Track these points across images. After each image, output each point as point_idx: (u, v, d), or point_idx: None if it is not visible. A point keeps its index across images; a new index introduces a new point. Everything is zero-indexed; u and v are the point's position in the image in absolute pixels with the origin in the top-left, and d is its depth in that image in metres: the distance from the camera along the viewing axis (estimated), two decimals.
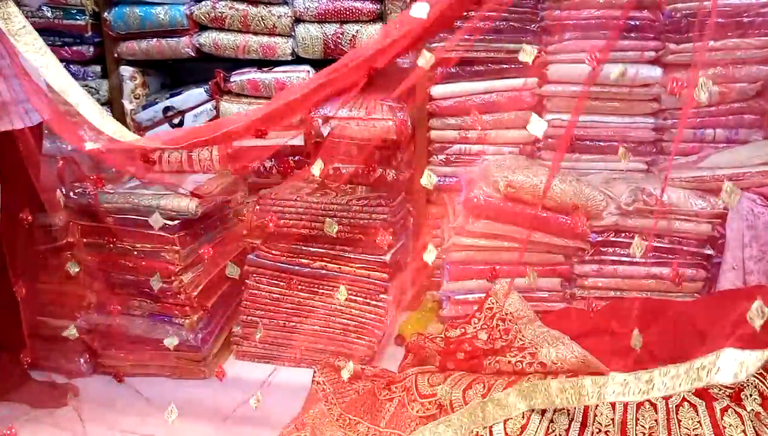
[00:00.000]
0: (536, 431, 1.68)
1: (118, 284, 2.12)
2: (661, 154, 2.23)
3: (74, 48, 2.51)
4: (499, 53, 2.21)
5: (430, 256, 1.60)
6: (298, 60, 2.37)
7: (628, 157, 1.86)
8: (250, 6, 2.30)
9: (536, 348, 1.87)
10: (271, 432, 1.81)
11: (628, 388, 1.32)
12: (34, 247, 1.95)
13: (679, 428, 1.61)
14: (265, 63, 2.40)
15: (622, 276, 2.11)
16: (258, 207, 2.30)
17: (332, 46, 2.29)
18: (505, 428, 1.68)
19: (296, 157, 2.42)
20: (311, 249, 2.24)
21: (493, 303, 2.08)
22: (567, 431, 1.67)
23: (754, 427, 1.58)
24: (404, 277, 2.37)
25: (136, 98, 2.58)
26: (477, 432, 1.69)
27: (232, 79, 2.39)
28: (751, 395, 1.67)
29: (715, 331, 1.77)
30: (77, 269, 1.94)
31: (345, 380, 1.89)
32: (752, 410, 1.63)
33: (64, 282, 2.08)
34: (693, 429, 1.61)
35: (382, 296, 2.22)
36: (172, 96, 2.49)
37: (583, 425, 1.68)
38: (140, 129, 2.49)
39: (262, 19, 2.29)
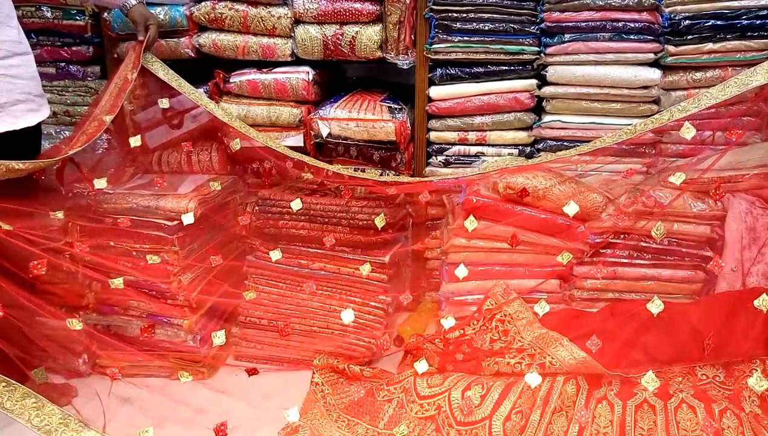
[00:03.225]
0: (535, 432, 1.69)
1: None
2: (660, 155, 2.24)
3: (74, 48, 2.51)
4: (499, 55, 2.21)
5: None
6: (297, 61, 2.37)
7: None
8: (250, 7, 2.30)
9: (535, 350, 1.87)
10: (270, 433, 1.82)
11: None
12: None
13: (678, 429, 1.61)
14: (264, 64, 2.40)
15: (621, 278, 2.11)
16: (257, 208, 2.30)
17: (332, 47, 2.29)
18: (504, 429, 1.68)
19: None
20: (310, 250, 2.25)
21: (492, 305, 2.08)
22: (566, 432, 1.68)
23: (752, 429, 1.58)
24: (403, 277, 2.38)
25: (135, 99, 2.58)
26: (476, 433, 1.69)
27: (231, 80, 2.39)
28: (749, 397, 1.67)
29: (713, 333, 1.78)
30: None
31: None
32: (750, 411, 1.63)
33: (63, 282, 2.08)
34: (692, 431, 1.61)
35: (380, 296, 2.22)
36: (171, 97, 2.48)
37: (582, 426, 1.68)
38: (139, 129, 2.49)
39: (262, 20, 2.29)
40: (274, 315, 2.24)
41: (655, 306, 1.80)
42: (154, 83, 2.28)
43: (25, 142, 1.88)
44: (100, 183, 2.04)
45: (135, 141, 2.16)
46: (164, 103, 2.29)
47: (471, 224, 2.06)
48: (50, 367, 2.07)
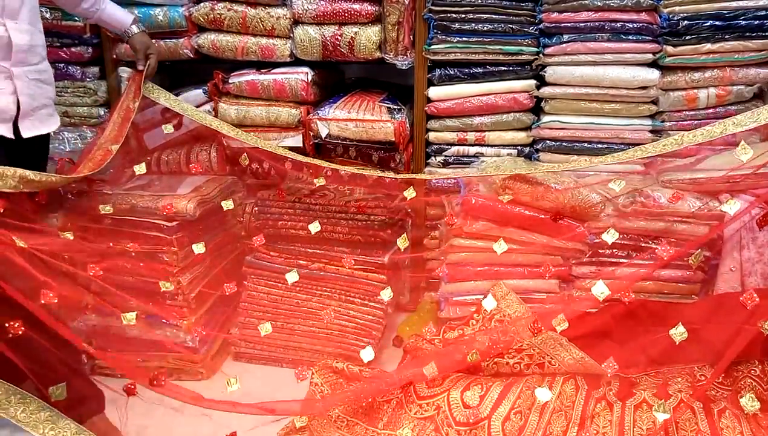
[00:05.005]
0: (534, 432, 1.68)
1: (116, 285, 2.11)
2: (659, 156, 2.24)
3: (73, 49, 2.51)
4: (497, 55, 2.21)
5: None
6: (296, 61, 2.38)
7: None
8: (249, 7, 2.30)
9: (534, 350, 1.87)
10: (270, 433, 1.81)
11: None
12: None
13: (677, 430, 1.61)
14: (263, 64, 2.40)
15: (620, 278, 2.10)
16: (256, 208, 2.30)
17: (331, 48, 2.29)
18: (503, 429, 1.68)
19: None
20: (309, 250, 2.24)
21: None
22: (564, 432, 1.67)
23: (751, 429, 1.58)
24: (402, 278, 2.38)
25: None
26: (475, 433, 1.69)
27: (230, 81, 2.39)
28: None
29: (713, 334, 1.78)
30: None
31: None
32: (749, 412, 1.63)
33: (62, 283, 2.07)
34: (690, 430, 1.61)
35: (380, 296, 2.22)
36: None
37: (581, 426, 1.68)
38: (138, 130, 2.49)
39: (261, 21, 2.30)
40: (273, 316, 2.23)
41: (679, 335, 1.67)
42: None
43: (38, 148, 1.90)
44: (140, 169, 2.11)
45: (140, 169, 2.15)
46: (168, 128, 2.28)
47: (500, 247, 2.05)
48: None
